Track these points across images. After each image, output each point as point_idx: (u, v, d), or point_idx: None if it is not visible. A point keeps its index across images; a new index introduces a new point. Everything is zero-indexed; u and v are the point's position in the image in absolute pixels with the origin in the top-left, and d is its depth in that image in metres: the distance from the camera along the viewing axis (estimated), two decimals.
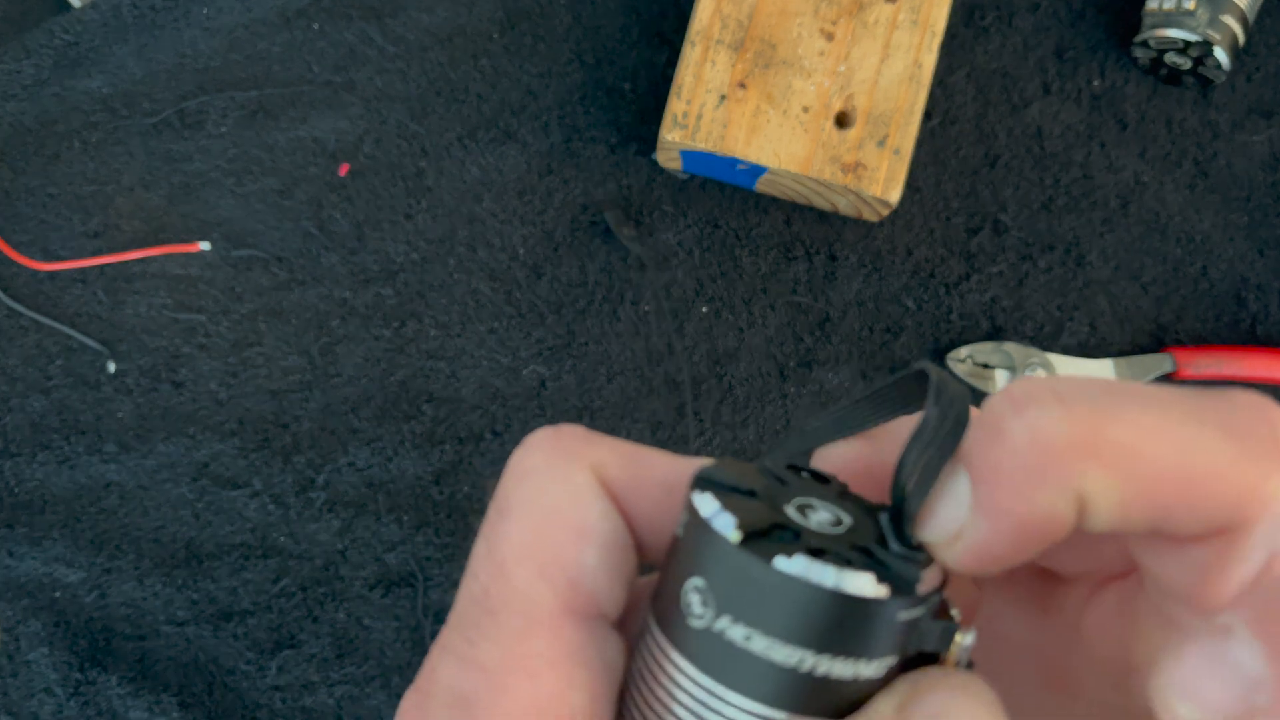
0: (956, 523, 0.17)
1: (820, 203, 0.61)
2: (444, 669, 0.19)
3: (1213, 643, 0.16)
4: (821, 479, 0.20)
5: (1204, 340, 0.62)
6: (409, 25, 0.64)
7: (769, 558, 0.17)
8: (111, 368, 0.62)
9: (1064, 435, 0.16)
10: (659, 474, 0.20)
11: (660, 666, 0.18)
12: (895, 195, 0.57)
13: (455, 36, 0.64)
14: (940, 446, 0.18)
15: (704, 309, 0.62)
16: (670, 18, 0.64)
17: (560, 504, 0.19)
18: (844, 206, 0.60)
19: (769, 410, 0.61)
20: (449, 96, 0.64)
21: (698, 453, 0.61)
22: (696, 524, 0.18)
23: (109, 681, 0.60)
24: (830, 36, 0.58)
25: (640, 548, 0.20)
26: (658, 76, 0.63)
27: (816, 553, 0.17)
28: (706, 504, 0.18)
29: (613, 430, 0.61)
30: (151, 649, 0.61)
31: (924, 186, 0.62)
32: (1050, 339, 0.61)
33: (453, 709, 0.19)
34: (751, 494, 0.18)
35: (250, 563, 0.61)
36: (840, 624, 0.17)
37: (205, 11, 0.64)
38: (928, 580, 0.17)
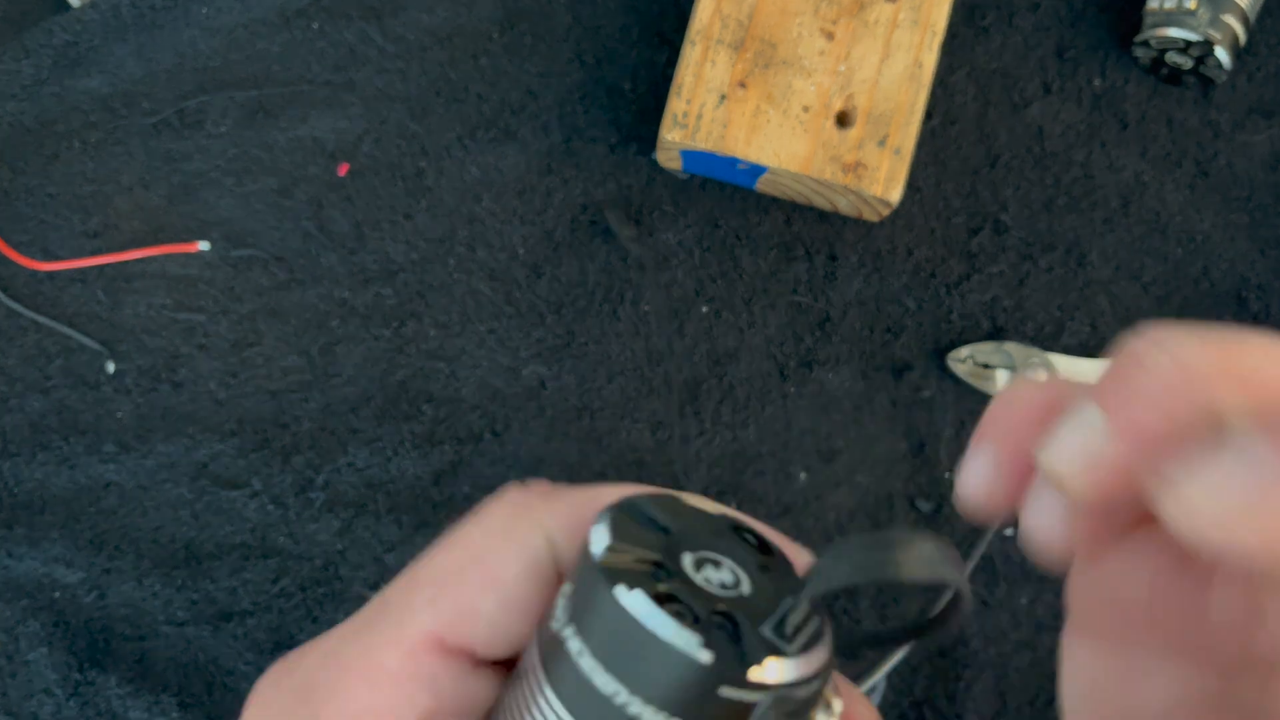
0: (1089, 448, 0.17)
1: (820, 202, 0.61)
2: (312, 654, 0.20)
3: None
4: (766, 550, 0.20)
5: None
6: (409, 25, 0.64)
7: (613, 584, 0.17)
8: (111, 368, 0.62)
9: (1202, 359, 0.17)
10: None
11: (525, 658, 0.19)
12: (896, 195, 0.57)
13: (455, 36, 0.64)
14: (859, 567, 0.17)
15: (704, 309, 0.62)
16: (670, 17, 0.64)
17: (483, 549, 0.20)
18: (844, 206, 0.60)
19: (769, 410, 0.61)
20: (449, 96, 0.64)
21: (696, 454, 0.61)
22: (585, 541, 0.18)
23: (108, 682, 0.60)
24: (830, 36, 0.58)
25: None
26: (658, 76, 0.63)
27: (665, 598, 0.17)
28: (600, 527, 0.18)
29: (613, 430, 0.61)
30: (151, 649, 0.61)
31: (924, 186, 0.62)
32: (1051, 339, 0.61)
33: (297, 693, 0.20)
34: (664, 531, 0.18)
35: (250, 563, 0.61)
36: (658, 673, 0.17)
37: (205, 11, 0.64)
38: (774, 670, 0.17)
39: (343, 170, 0.63)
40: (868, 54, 0.58)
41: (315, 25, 0.64)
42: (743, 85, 0.57)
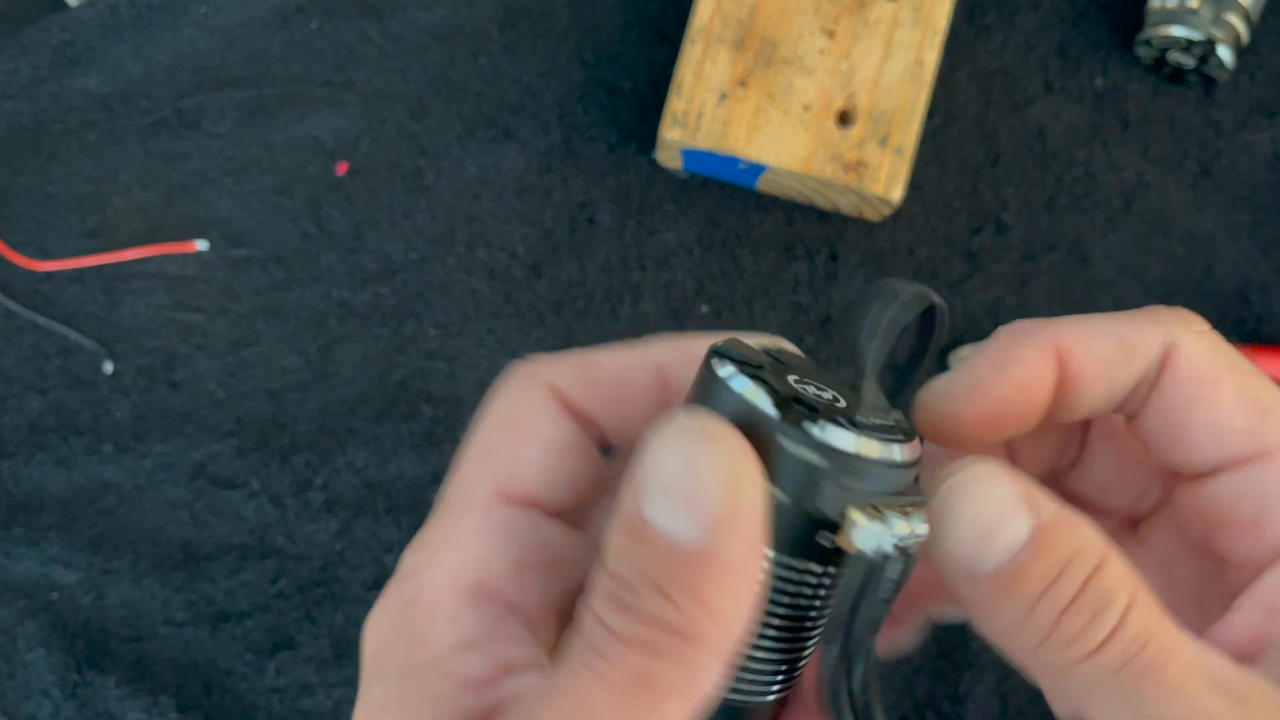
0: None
1: (821, 202, 0.61)
2: (404, 557, 0.22)
3: None
4: (795, 357, 0.23)
5: None
6: (408, 24, 0.64)
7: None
8: (109, 368, 0.62)
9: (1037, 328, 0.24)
10: (609, 374, 0.23)
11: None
12: (897, 194, 0.57)
13: (454, 35, 0.64)
14: (894, 319, 0.21)
15: (704, 309, 0.62)
16: (670, 16, 0.64)
17: (510, 415, 0.23)
18: (845, 206, 0.60)
19: None
20: (448, 95, 0.63)
21: None
22: (708, 372, 0.20)
23: (106, 683, 0.60)
24: (831, 35, 0.57)
25: (605, 437, 0.24)
26: (658, 75, 0.63)
27: (754, 376, 0.19)
28: (720, 363, 0.20)
29: None
30: (149, 650, 0.60)
31: (925, 185, 0.62)
32: None
33: (400, 583, 0.22)
34: (759, 368, 0.20)
35: (248, 564, 0.61)
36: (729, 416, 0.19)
37: (203, 10, 0.64)
38: (833, 433, 0.19)
39: (341, 169, 0.63)
40: (869, 53, 0.57)
41: (314, 24, 0.64)
42: (743, 84, 0.57)
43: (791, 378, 0.21)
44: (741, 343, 0.22)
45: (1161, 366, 0.23)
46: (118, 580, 0.61)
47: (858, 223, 0.62)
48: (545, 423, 0.23)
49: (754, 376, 0.19)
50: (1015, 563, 0.18)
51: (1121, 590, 0.18)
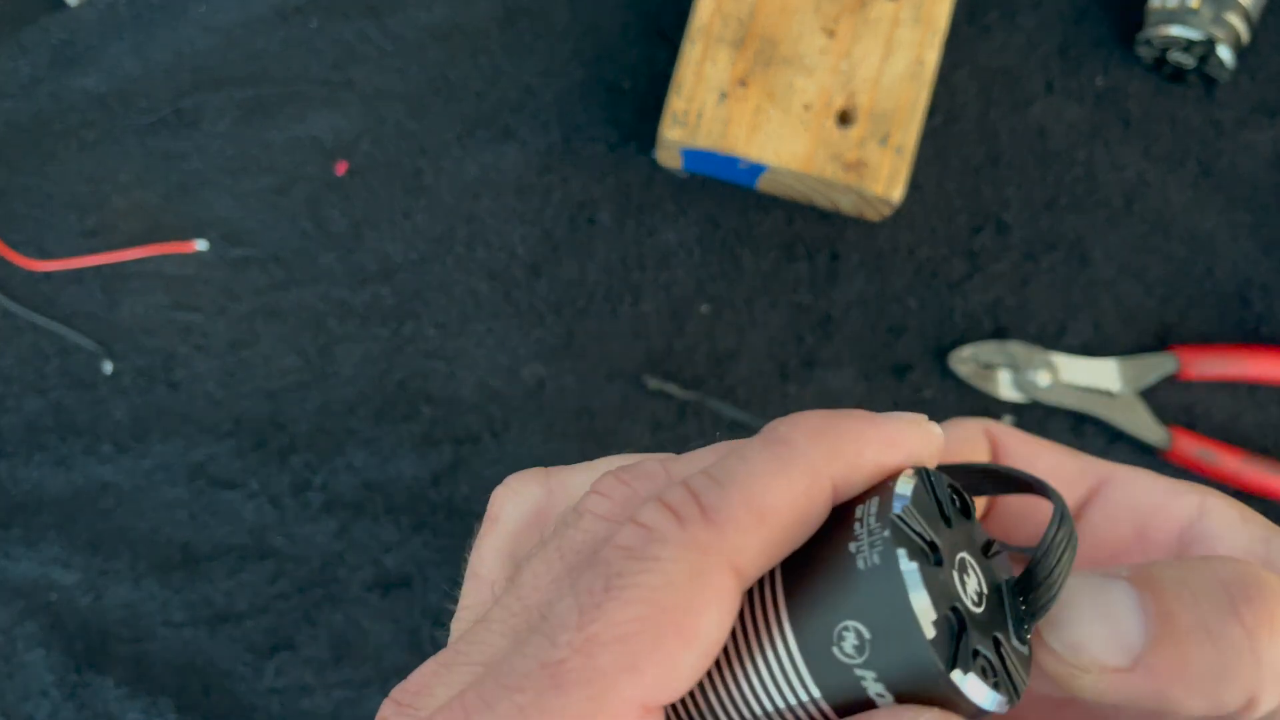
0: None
1: (822, 201, 0.61)
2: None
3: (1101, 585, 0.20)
4: (966, 512, 0.21)
5: (1208, 340, 0.61)
6: (407, 23, 0.64)
7: (948, 664, 0.18)
8: (108, 368, 0.62)
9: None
10: (789, 522, 0.19)
11: (776, 660, 0.19)
12: (897, 194, 0.57)
13: (453, 34, 0.64)
14: (1065, 563, 0.20)
15: (704, 308, 0.62)
16: (670, 15, 0.63)
17: (676, 604, 0.18)
18: (846, 205, 0.60)
19: (770, 410, 0.61)
20: (447, 94, 0.63)
21: None
22: (893, 584, 0.18)
23: (105, 683, 0.60)
24: (832, 34, 0.57)
25: None
26: (658, 74, 0.63)
27: (983, 671, 0.19)
28: (909, 569, 0.18)
29: (613, 430, 0.61)
30: (148, 651, 0.60)
31: (926, 185, 0.62)
32: (1053, 339, 0.61)
33: None
34: (934, 549, 0.19)
35: (247, 564, 0.61)
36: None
37: (202, 9, 0.64)
38: (970, 686, 0.19)
39: (341, 169, 0.63)
40: (869, 52, 0.57)
41: (313, 23, 0.64)
42: (743, 83, 0.57)
43: (960, 556, 0.20)
44: (924, 493, 0.20)
45: None
46: (117, 581, 0.61)
47: (858, 222, 0.62)
48: (714, 623, 0.18)
49: (929, 583, 0.18)
50: None
51: None
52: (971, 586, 0.20)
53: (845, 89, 0.57)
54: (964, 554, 0.20)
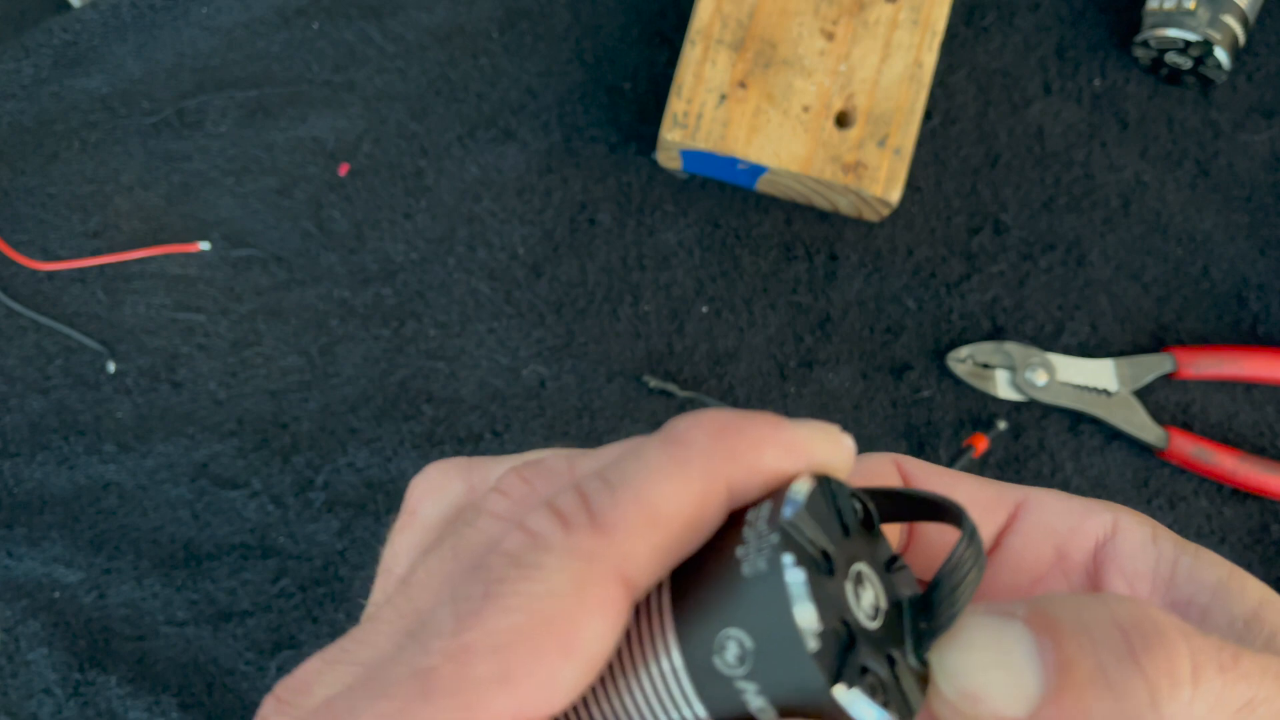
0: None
1: (821, 202, 0.61)
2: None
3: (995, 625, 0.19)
4: (869, 524, 0.21)
5: (1205, 340, 0.62)
6: (408, 24, 0.64)
7: (831, 678, 0.17)
8: (111, 368, 0.62)
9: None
10: (684, 525, 0.19)
11: (659, 673, 0.18)
12: (896, 195, 0.57)
13: (454, 35, 0.64)
14: (967, 589, 0.19)
15: (704, 309, 0.62)
16: (670, 17, 0.64)
17: (557, 612, 0.17)
18: (844, 206, 0.60)
19: (769, 410, 0.61)
20: (448, 96, 0.63)
21: None
22: (776, 592, 0.17)
23: (108, 682, 0.60)
24: (831, 36, 0.58)
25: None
26: (658, 75, 0.63)
27: (871, 688, 0.18)
28: (795, 579, 0.17)
29: (613, 430, 0.61)
30: (151, 649, 0.61)
31: (924, 186, 0.62)
32: (1051, 339, 0.61)
33: None
34: (826, 559, 0.18)
35: (249, 563, 0.61)
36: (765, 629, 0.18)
37: (204, 10, 0.64)
38: (848, 699, 0.18)
39: (343, 170, 0.63)
40: (868, 54, 0.57)
41: (315, 25, 0.64)
42: (743, 85, 0.57)
43: (856, 569, 0.19)
44: (822, 500, 0.19)
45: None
46: (119, 580, 0.61)
47: (857, 223, 0.62)
48: (598, 634, 0.17)
49: (816, 593, 0.18)
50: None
51: None
52: (867, 600, 0.19)
53: (844, 91, 0.57)
54: (861, 566, 0.19)
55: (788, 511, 0.18)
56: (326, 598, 0.61)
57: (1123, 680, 0.18)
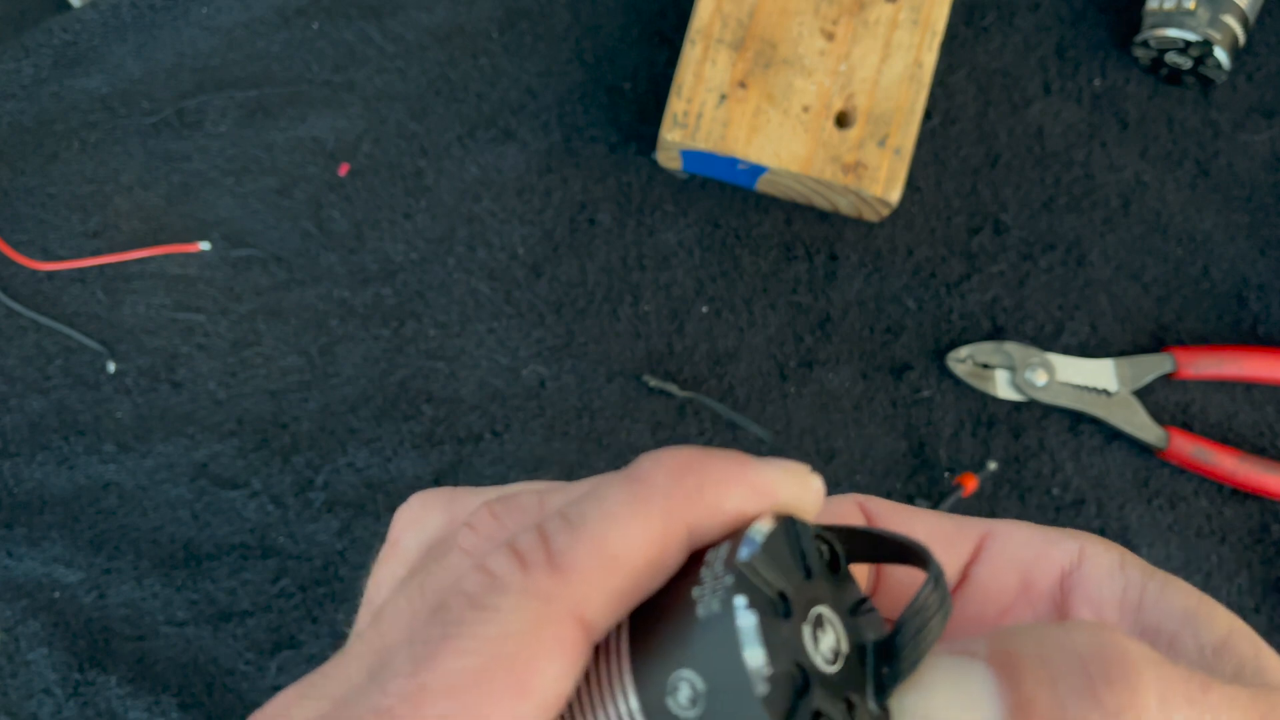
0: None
1: (821, 202, 0.61)
2: None
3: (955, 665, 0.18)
4: (835, 565, 0.20)
5: (1205, 340, 0.62)
6: (408, 24, 0.64)
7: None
8: (111, 368, 0.62)
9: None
10: (642, 570, 0.19)
11: (617, 713, 0.18)
12: (896, 195, 0.57)
13: (454, 35, 0.64)
14: (933, 630, 0.19)
15: (704, 309, 0.62)
16: (670, 17, 0.64)
17: (513, 655, 0.18)
18: (844, 206, 0.60)
19: (769, 410, 0.61)
20: (448, 96, 0.64)
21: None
22: (727, 634, 0.17)
23: (108, 682, 0.60)
24: (831, 36, 0.58)
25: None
26: (658, 75, 0.63)
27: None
28: (746, 621, 0.17)
29: (613, 430, 0.61)
30: (151, 649, 0.61)
31: (924, 186, 0.62)
32: (1051, 339, 0.61)
33: None
34: (783, 600, 0.18)
35: (249, 563, 0.61)
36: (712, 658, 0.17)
37: (204, 11, 0.64)
38: None
39: (343, 170, 0.63)
40: (868, 54, 0.57)
41: (315, 25, 0.64)
42: (743, 85, 0.57)
43: (817, 611, 0.19)
44: (784, 541, 0.19)
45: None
46: (119, 580, 0.61)
47: (857, 223, 0.62)
48: (554, 676, 0.18)
49: (768, 635, 0.17)
50: None
51: None
52: (826, 644, 0.19)
53: (844, 91, 0.57)
54: (823, 609, 0.19)
55: (744, 553, 0.18)
56: (326, 598, 0.61)
57: (1084, 717, 0.17)
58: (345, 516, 0.61)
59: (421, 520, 0.22)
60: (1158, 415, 0.61)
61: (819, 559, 0.20)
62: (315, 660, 0.61)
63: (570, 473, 0.61)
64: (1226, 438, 0.61)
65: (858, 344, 0.62)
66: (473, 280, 0.62)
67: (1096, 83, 0.63)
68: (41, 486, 0.62)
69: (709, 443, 0.61)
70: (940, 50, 0.58)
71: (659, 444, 0.61)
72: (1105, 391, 0.60)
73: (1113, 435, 0.61)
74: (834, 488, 0.61)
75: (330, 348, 0.62)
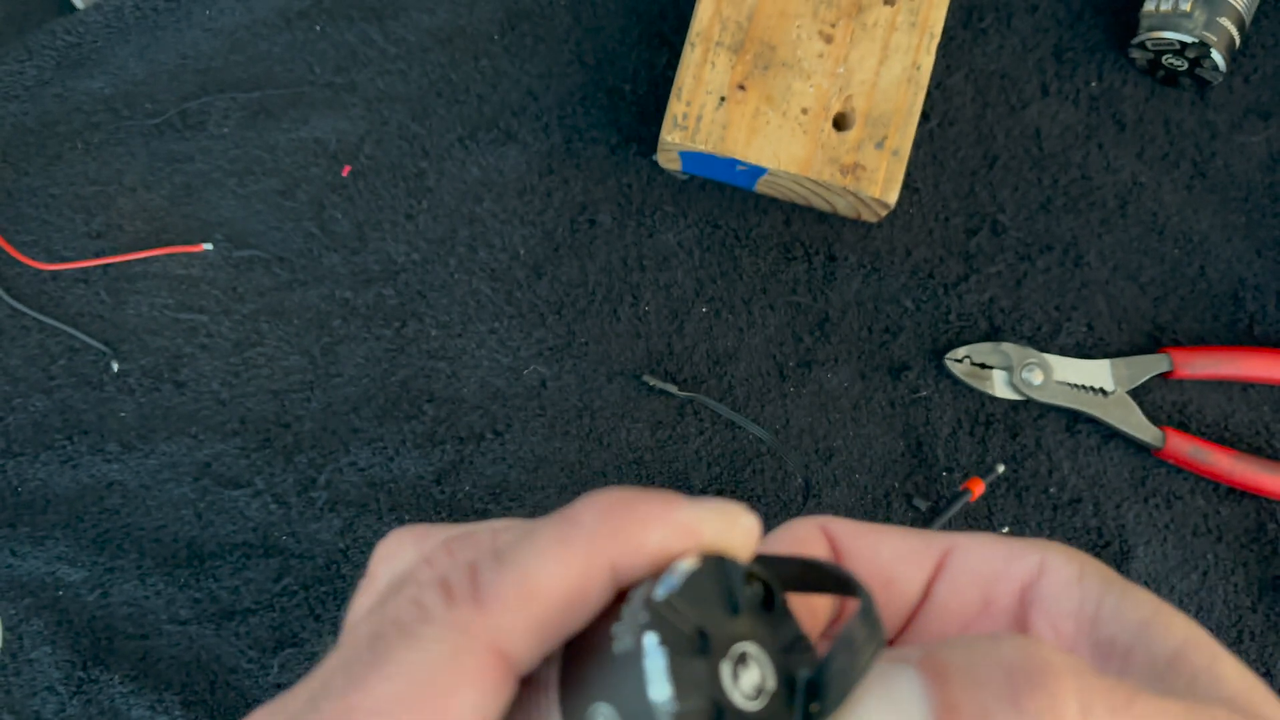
0: None
1: (819, 203, 0.61)
2: None
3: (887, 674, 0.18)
4: (769, 601, 0.20)
5: (1201, 340, 0.62)
6: (410, 26, 0.64)
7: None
8: (115, 368, 0.62)
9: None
10: (560, 603, 0.19)
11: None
12: (893, 196, 0.57)
13: (456, 38, 0.64)
14: (861, 663, 0.19)
15: (704, 309, 0.62)
16: (670, 19, 0.64)
17: (433, 684, 0.18)
18: (843, 207, 0.60)
19: (768, 410, 0.62)
20: (450, 97, 0.64)
21: (696, 453, 0.61)
22: (637, 670, 0.18)
23: (111, 680, 0.60)
24: (829, 38, 0.58)
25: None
26: (658, 78, 0.63)
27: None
28: (654, 658, 0.18)
29: (613, 430, 0.61)
30: (154, 648, 0.61)
31: (923, 187, 0.63)
32: (1048, 339, 0.62)
33: None
34: (702, 637, 0.18)
35: (252, 562, 0.61)
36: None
37: (207, 13, 0.64)
38: None
39: (345, 171, 0.63)
40: (866, 56, 0.58)
41: (317, 27, 0.64)
42: (742, 87, 0.57)
43: (740, 649, 0.19)
44: (709, 579, 0.19)
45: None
46: (123, 578, 0.61)
47: (855, 224, 0.62)
48: (471, 704, 0.18)
49: (678, 672, 0.18)
50: None
51: None
52: (749, 681, 0.19)
53: (842, 93, 0.58)
54: (747, 646, 0.19)
55: (659, 591, 0.18)
56: (329, 596, 0.61)
57: None
58: (348, 515, 0.61)
59: (396, 555, 0.23)
60: (1154, 415, 0.61)
61: (748, 596, 0.20)
62: (317, 658, 0.61)
63: (571, 472, 0.61)
64: (1223, 437, 0.61)
65: (856, 344, 0.62)
66: (474, 281, 0.63)
67: (1094, 84, 0.63)
68: (45, 486, 0.62)
69: (709, 442, 0.62)
70: (938, 52, 0.59)
71: (659, 443, 0.61)
72: (1102, 391, 0.60)
73: (1110, 435, 0.61)
74: (833, 487, 0.61)
75: (332, 348, 0.62)
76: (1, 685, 0.61)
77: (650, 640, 0.18)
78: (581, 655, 0.19)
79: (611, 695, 0.18)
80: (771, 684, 0.19)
